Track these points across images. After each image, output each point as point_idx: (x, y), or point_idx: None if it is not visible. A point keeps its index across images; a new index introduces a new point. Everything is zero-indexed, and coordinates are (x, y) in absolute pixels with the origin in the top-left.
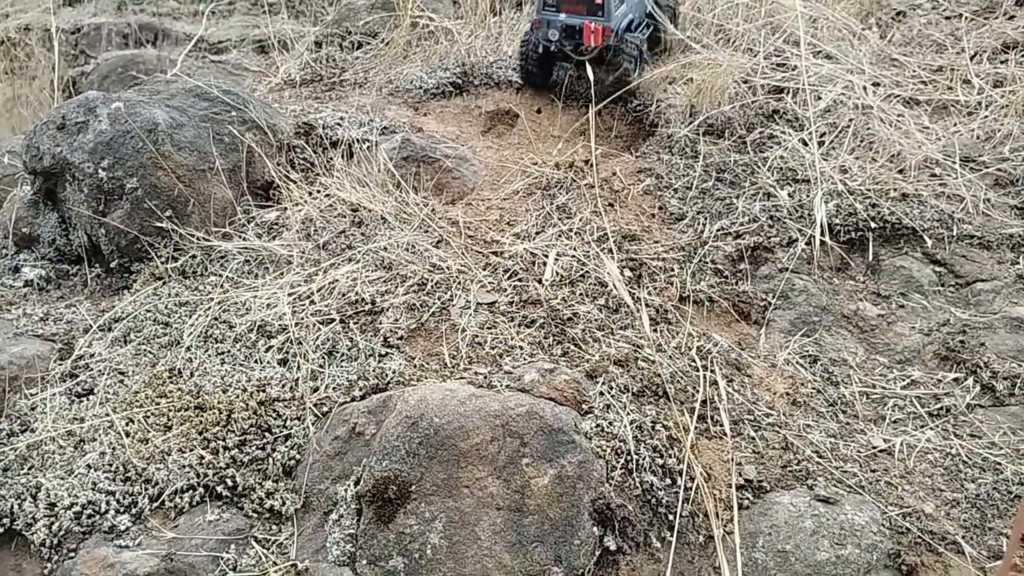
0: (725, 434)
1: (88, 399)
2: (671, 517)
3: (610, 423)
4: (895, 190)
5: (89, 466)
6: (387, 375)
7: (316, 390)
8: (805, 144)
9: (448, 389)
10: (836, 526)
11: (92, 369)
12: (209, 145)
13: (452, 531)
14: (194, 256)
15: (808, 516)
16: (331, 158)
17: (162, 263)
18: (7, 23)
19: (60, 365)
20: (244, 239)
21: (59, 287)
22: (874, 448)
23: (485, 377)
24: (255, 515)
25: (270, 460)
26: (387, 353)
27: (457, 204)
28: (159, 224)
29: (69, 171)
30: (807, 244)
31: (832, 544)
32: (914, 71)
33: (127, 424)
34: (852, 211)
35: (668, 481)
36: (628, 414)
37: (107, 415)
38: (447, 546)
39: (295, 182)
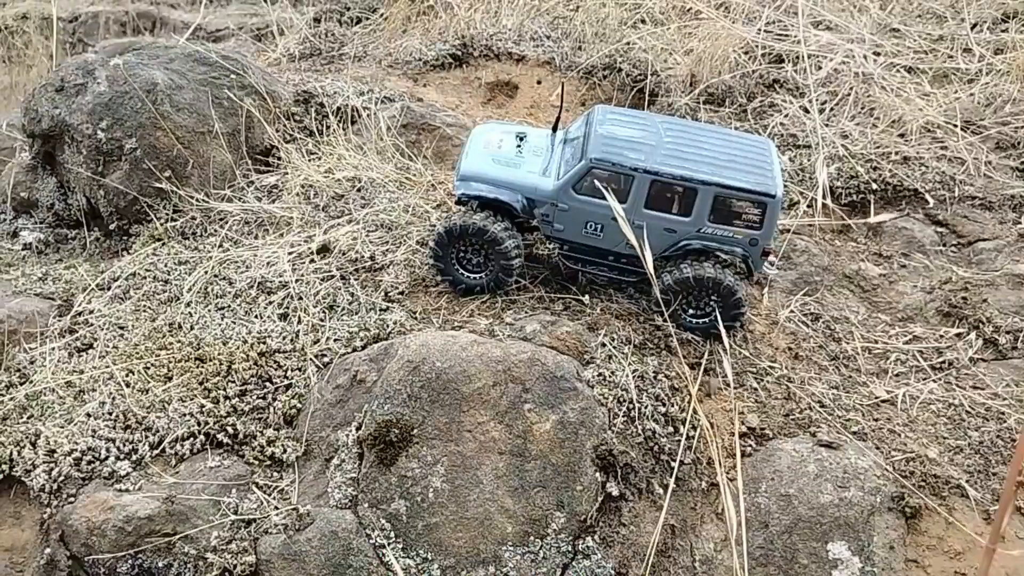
0: (728, 384)
1: (87, 353)
2: (673, 464)
3: (612, 372)
4: (896, 154)
5: (89, 415)
6: (388, 326)
7: (317, 342)
8: (806, 111)
9: (449, 335)
10: (839, 470)
11: (91, 324)
12: (208, 108)
13: (454, 475)
14: (193, 217)
15: (811, 461)
16: (330, 125)
17: (161, 224)
18: (4, 11)
19: (59, 321)
20: (243, 201)
21: (57, 250)
22: (877, 398)
23: (487, 327)
24: (256, 462)
25: (271, 409)
26: (388, 307)
27: (452, 176)
28: (158, 185)
29: (68, 133)
30: (809, 206)
31: (835, 487)
32: (914, 40)
33: (127, 375)
34: (853, 174)
35: (670, 429)
36: (630, 364)
37: (107, 367)
38: (449, 490)
39: (295, 147)
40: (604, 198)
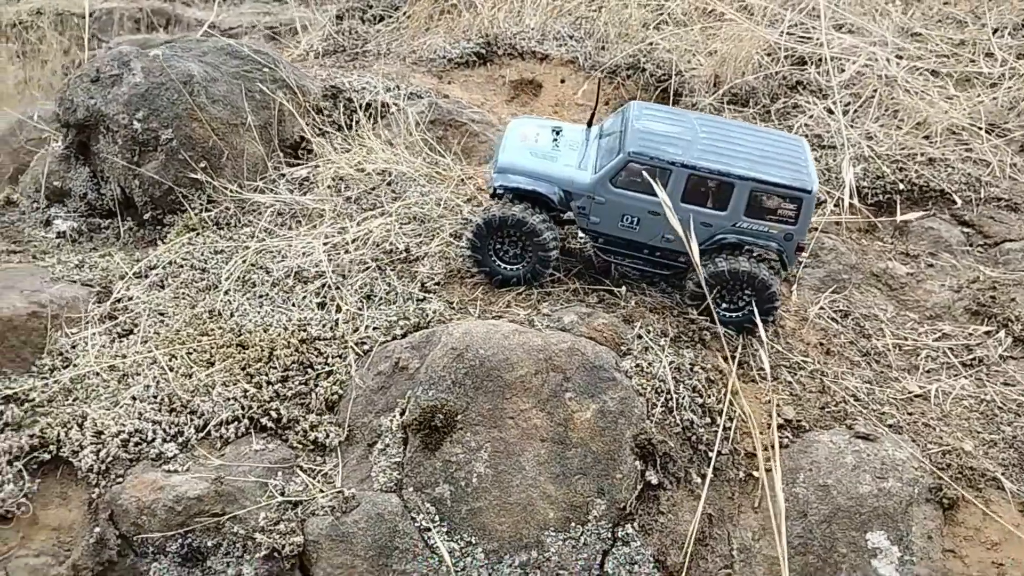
0: (764, 377)
1: (128, 338)
2: (711, 454)
3: (649, 363)
4: (922, 155)
5: (134, 397)
6: (428, 315)
7: (356, 330)
8: (830, 112)
9: (491, 324)
10: (877, 461)
11: (131, 311)
12: (241, 101)
13: (498, 460)
14: (227, 208)
15: (849, 452)
16: (359, 120)
17: (195, 214)
18: (19, 6)
19: (99, 307)
20: (276, 193)
21: (91, 239)
22: (910, 393)
23: (525, 317)
24: (300, 446)
25: (313, 395)
26: (425, 297)
27: (483, 168)
28: (193, 175)
29: (103, 123)
30: (835, 206)
31: (874, 478)
32: (936, 44)
33: (170, 360)
34: (880, 175)
35: (708, 420)
36: (666, 356)
37: (149, 352)
38: (493, 475)
39: (325, 141)
40: (641, 191)
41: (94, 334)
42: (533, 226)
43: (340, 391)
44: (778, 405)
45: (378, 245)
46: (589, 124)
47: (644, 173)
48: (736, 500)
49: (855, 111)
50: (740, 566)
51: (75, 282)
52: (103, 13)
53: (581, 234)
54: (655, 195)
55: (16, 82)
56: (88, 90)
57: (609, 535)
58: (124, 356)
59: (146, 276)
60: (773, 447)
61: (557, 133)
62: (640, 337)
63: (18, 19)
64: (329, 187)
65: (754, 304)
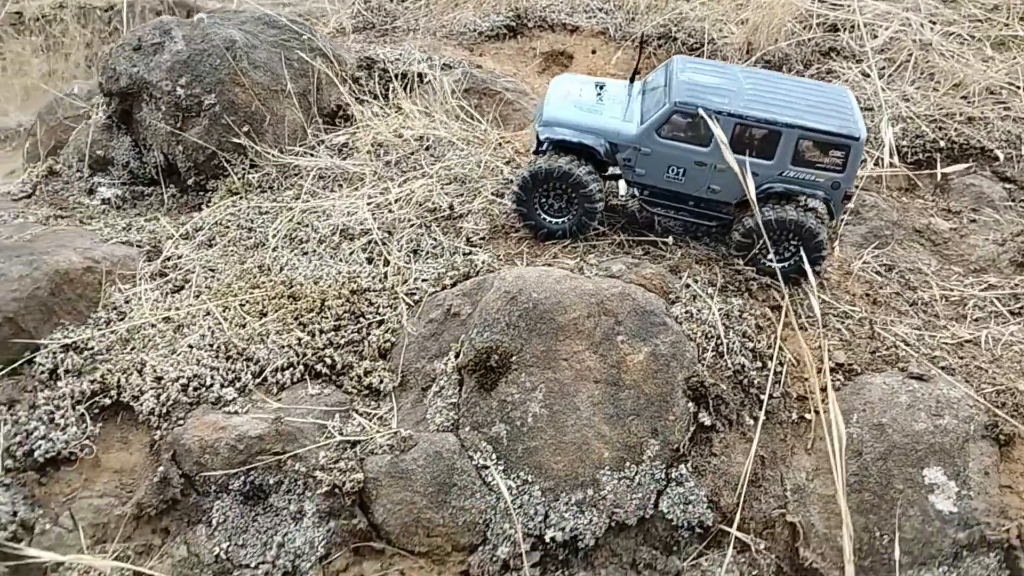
0: (813, 323)
1: (181, 293)
2: (762, 397)
3: (698, 310)
4: (960, 114)
5: (191, 346)
6: (477, 266)
7: (406, 282)
8: (866, 76)
9: (543, 270)
10: (932, 400)
11: (181, 268)
12: (281, 68)
13: (552, 401)
14: (268, 173)
15: (903, 392)
16: (395, 89)
17: (239, 178)
18: (43, 0)
19: (149, 265)
20: (317, 158)
21: (134, 206)
22: (960, 339)
23: (574, 266)
24: (354, 391)
25: (365, 343)
26: (471, 252)
27: (520, 134)
28: (236, 140)
29: (146, 90)
30: (875, 164)
31: (929, 416)
32: (970, 10)
33: (223, 311)
34: (919, 133)
35: (758, 364)
36: (715, 303)
37: (203, 304)
38: (548, 415)
39: (363, 108)
40: (686, 142)
41: (146, 290)
42: (579, 177)
43: (392, 339)
44: (829, 350)
45: (421, 204)
46: (631, 80)
47: (701, 111)
48: (788, 442)
49: (890, 75)
50: (794, 506)
51: (124, 243)
52: (125, 5)
53: (622, 192)
54: (701, 146)
55: (41, 75)
56: (130, 58)
57: (663, 475)
58: (178, 309)
59: (193, 237)
60: (827, 386)
61: (600, 88)
62: (688, 286)
63: (41, 13)
64: (369, 152)
65: (802, 252)
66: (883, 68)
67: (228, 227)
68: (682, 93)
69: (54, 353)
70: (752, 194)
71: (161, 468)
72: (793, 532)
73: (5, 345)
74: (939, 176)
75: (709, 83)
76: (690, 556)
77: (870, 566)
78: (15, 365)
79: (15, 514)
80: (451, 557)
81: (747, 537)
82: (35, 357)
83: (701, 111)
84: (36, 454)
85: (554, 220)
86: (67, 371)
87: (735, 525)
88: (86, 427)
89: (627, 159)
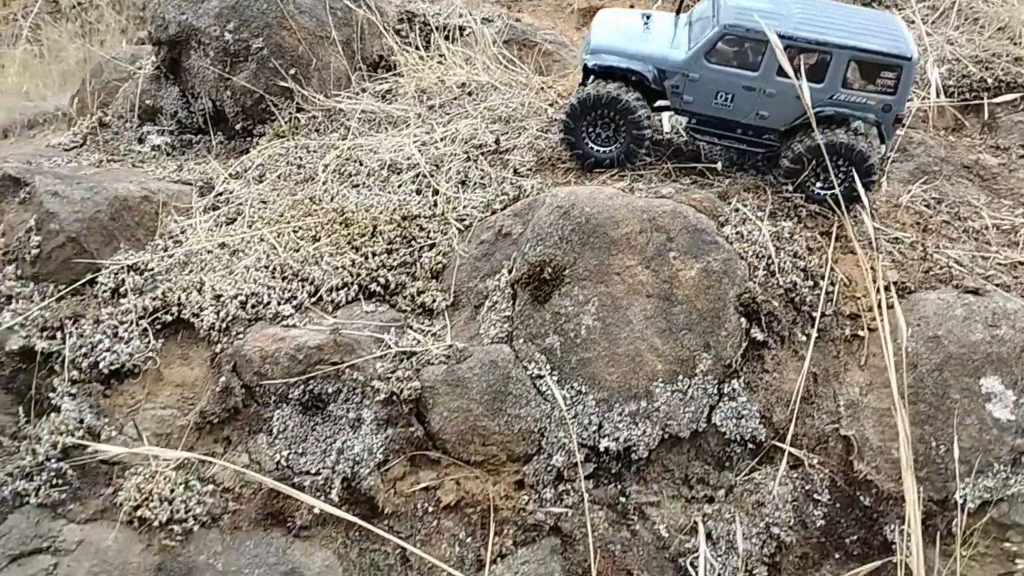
0: (867, 244)
1: (234, 223)
2: (814, 315)
3: (748, 231)
4: (1007, 55)
5: (247, 267)
6: (526, 190)
7: (455, 209)
8: (911, 23)
9: (594, 187)
10: (987, 312)
11: (233, 202)
12: (326, 15)
13: (605, 314)
14: (315, 116)
15: (958, 306)
16: (436, 40)
17: (285, 121)
18: None
19: (203, 199)
20: (362, 102)
21: (183, 153)
22: (1014, 260)
23: (624, 187)
24: (408, 310)
25: (417, 264)
26: (519, 182)
27: (561, 80)
28: (283, 83)
29: (195, 37)
30: (921, 101)
31: (985, 327)
32: None
33: (277, 237)
34: (965, 74)
35: (810, 283)
36: (765, 225)
37: (257, 231)
38: (600, 327)
39: (406, 55)
40: (735, 67)
41: (201, 221)
42: (628, 103)
43: (443, 261)
44: (881, 269)
45: (467, 141)
46: (678, 12)
47: (756, 16)
48: (841, 359)
49: (933, 21)
50: (847, 420)
51: (177, 182)
52: None
53: (666, 128)
54: (750, 70)
55: (77, 61)
56: (179, 6)
57: (715, 390)
58: (232, 236)
59: (243, 175)
60: (881, 296)
61: (647, 18)
62: (737, 210)
63: (77, 0)
64: (412, 97)
65: (854, 174)
66: (926, 15)
67: (278, 164)
68: (731, 16)
69: (115, 273)
70: (807, 99)
71: (223, 378)
72: (847, 446)
73: (68, 264)
74: (987, 109)
75: (758, 7)
76: (742, 471)
77: (926, 476)
78: (77, 284)
79: (82, 422)
80: (506, 467)
81: (800, 452)
82: (97, 277)
83: (756, 17)
84: (101, 366)
85: (602, 149)
86: (129, 290)
87: (788, 440)
88: (149, 341)
89: (675, 86)
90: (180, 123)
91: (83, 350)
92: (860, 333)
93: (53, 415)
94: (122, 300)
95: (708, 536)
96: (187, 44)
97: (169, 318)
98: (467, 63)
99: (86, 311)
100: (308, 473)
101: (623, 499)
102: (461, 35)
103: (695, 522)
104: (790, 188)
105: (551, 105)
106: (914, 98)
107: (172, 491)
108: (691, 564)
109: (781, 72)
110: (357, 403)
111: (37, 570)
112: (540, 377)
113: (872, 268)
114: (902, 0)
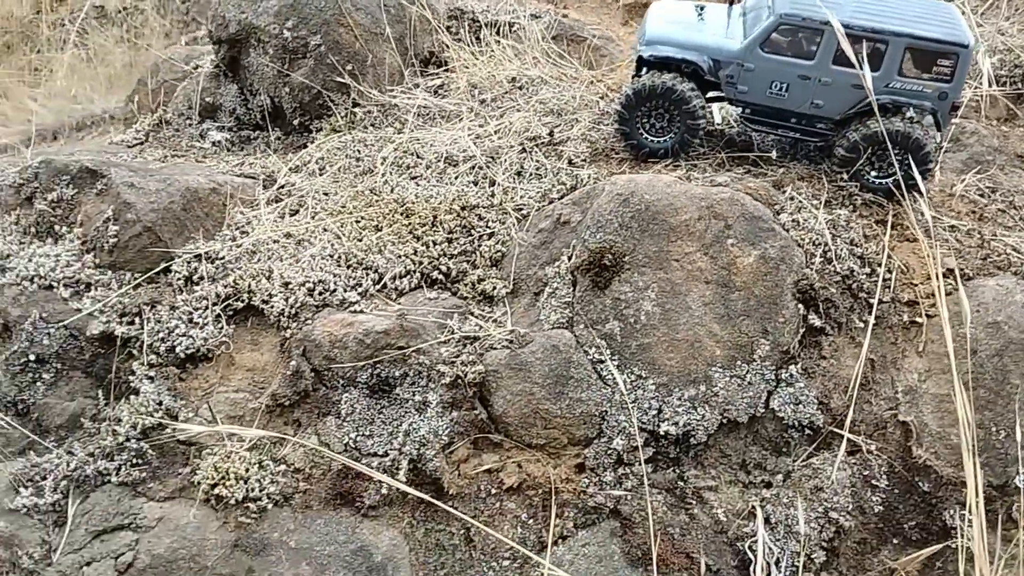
0: (923, 232)
1: (298, 215)
2: (872, 301)
3: (805, 219)
4: None
5: (313, 256)
6: (583, 179)
7: (513, 199)
8: (962, 13)
9: (652, 175)
10: None
11: (296, 194)
12: (380, 12)
13: (664, 299)
14: (370, 111)
15: (1018, 292)
16: (484, 37)
17: (342, 116)
18: None
19: (266, 192)
20: (416, 97)
21: (242, 149)
22: None
23: (680, 176)
24: (469, 297)
25: (477, 253)
26: (574, 171)
27: (612, 74)
28: (340, 79)
29: (254, 35)
30: (973, 91)
31: None
32: None
33: (340, 227)
34: (1017, 63)
35: (867, 270)
36: (821, 213)
37: (320, 222)
38: (660, 313)
39: (458, 52)
40: (791, 56)
41: (266, 212)
42: (683, 93)
43: (503, 249)
44: (939, 256)
45: (520, 134)
46: (731, 2)
47: (816, 4)
48: (899, 345)
49: (983, 12)
50: (906, 407)
51: (239, 176)
52: None
53: (717, 119)
54: (805, 59)
55: (123, 64)
56: (239, 5)
57: (773, 376)
58: (296, 226)
59: (303, 169)
60: (939, 289)
61: (701, 9)
62: (792, 199)
63: (122, 5)
64: (464, 92)
65: (911, 161)
66: (976, 5)
67: (336, 158)
68: (786, 5)
69: (188, 261)
70: (868, 82)
71: (293, 362)
72: (905, 432)
73: (144, 253)
74: None
75: None
76: (800, 457)
77: (986, 461)
78: (152, 272)
79: (160, 403)
80: (567, 450)
81: (858, 438)
82: (171, 265)
83: (815, 11)
84: (177, 350)
85: (656, 139)
86: (202, 278)
87: (846, 426)
88: (221, 327)
89: (730, 76)
90: (239, 120)
91: (160, 335)
92: (918, 320)
93: (132, 397)
94: (195, 287)
95: (766, 521)
96: (246, 42)
97: (240, 305)
98: (517, 58)
99: (162, 298)
100: (375, 455)
101: (681, 483)
102: (510, 31)
103: (753, 507)
104: (845, 177)
105: (602, 98)
106: (967, 87)
107: (247, 470)
108: (750, 548)
109: (836, 60)
110: (423, 386)
111: (119, 545)
112: (601, 362)
113: (932, 255)
114: None
